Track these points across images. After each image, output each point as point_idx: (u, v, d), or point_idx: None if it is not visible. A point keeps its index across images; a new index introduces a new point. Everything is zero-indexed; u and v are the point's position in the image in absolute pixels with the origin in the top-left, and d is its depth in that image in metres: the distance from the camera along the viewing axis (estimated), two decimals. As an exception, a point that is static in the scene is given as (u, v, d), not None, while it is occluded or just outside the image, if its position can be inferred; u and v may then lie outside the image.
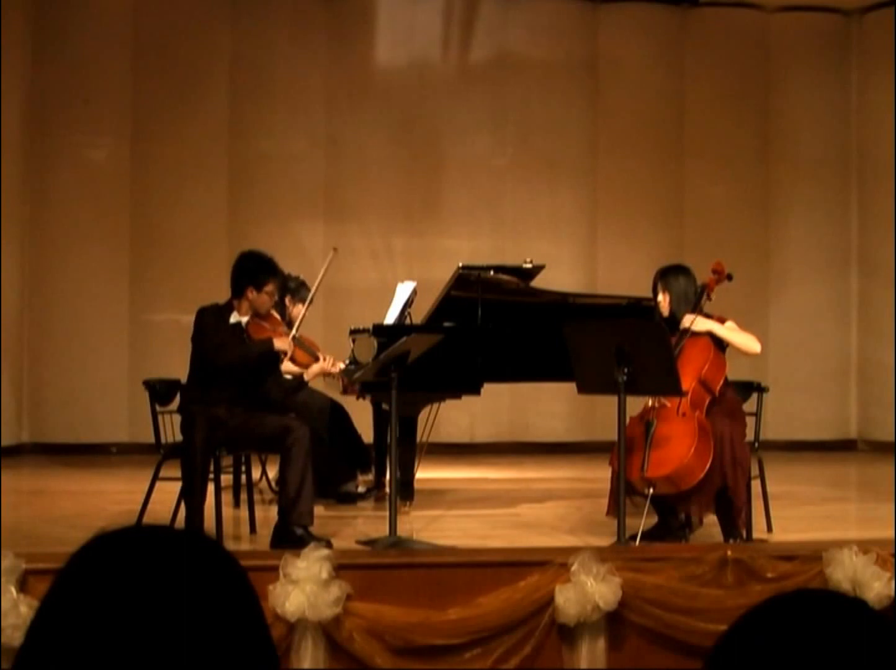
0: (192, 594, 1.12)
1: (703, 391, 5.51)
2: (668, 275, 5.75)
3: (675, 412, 5.47)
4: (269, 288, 5.71)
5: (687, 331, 5.56)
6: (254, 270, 5.71)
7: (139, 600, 1.10)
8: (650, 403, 5.57)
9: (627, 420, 5.51)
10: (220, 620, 1.13)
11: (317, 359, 5.94)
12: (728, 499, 5.34)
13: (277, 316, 6.20)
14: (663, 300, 5.70)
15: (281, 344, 5.64)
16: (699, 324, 5.57)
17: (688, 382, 5.44)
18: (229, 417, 5.53)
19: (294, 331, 5.88)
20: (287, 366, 6.25)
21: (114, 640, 1.09)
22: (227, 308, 5.73)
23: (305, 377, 5.96)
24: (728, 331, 5.60)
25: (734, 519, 5.36)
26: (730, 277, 5.78)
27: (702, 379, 5.51)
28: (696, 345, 5.56)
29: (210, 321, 5.64)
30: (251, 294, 5.68)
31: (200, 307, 5.74)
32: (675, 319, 5.66)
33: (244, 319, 5.71)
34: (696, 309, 5.66)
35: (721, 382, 5.56)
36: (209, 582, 1.14)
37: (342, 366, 6.13)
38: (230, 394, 5.57)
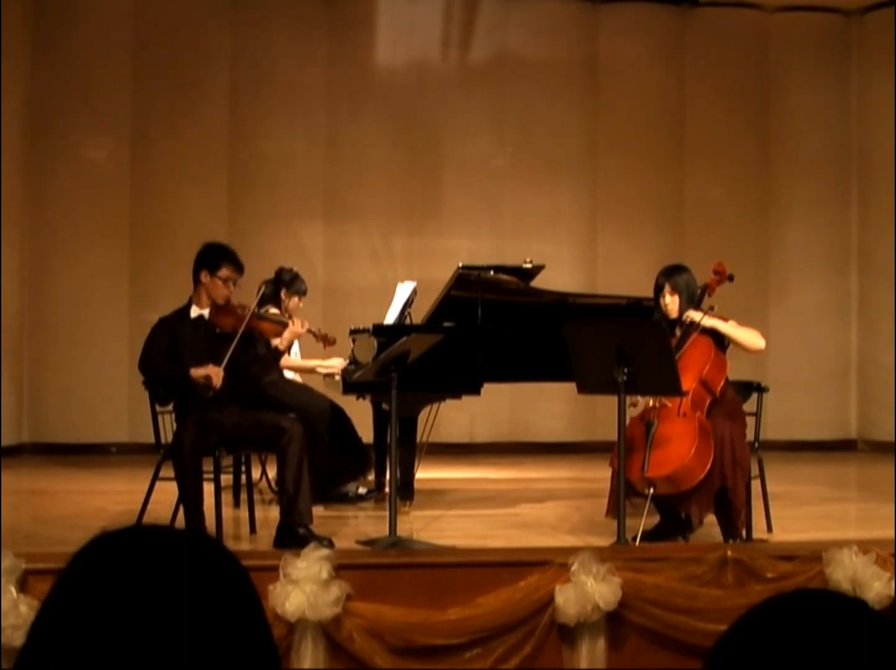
0: (194, 594, 1.12)
1: (704, 391, 5.51)
2: (675, 275, 5.71)
3: (676, 412, 5.46)
4: (224, 272, 5.64)
5: (693, 326, 5.56)
6: (209, 255, 5.71)
7: (141, 600, 1.10)
8: (651, 403, 5.56)
9: (628, 420, 5.51)
10: (221, 620, 1.13)
11: (286, 326, 5.90)
12: (727, 499, 5.34)
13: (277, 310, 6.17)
14: (672, 301, 5.66)
15: (196, 372, 5.51)
16: (705, 321, 5.56)
17: (689, 383, 5.44)
18: (224, 418, 5.52)
19: (254, 307, 5.81)
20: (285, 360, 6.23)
21: (115, 640, 1.09)
22: (186, 307, 5.74)
23: (280, 346, 5.90)
24: (733, 328, 5.60)
25: (733, 520, 5.36)
26: (731, 278, 5.78)
27: (703, 379, 5.50)
28: (697, 345, 5.56)
29: (156, 335, 5.64)
30: (205, 277, 5.65)
31: (160, 317, 5.75)
32: (676, 323, 5.67)
33: (205, 311, 5.69)
34: (699, 309, 5.66)
35: (722, 383, 5.56)
36: (210, 582, 1.14)
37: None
38: (223, 394, 5.56)
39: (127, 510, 5.96)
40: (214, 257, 5.69)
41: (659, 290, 5.72)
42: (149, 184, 10.01)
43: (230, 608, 1.14)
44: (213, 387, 5.47)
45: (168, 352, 5.62)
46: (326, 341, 6.29)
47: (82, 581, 1.13)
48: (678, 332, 5.65)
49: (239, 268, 5.72)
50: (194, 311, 5.70)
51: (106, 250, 9.92)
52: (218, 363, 5.55)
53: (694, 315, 5.59)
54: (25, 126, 9.75)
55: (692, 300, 5.66)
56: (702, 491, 5.30)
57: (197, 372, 5.50)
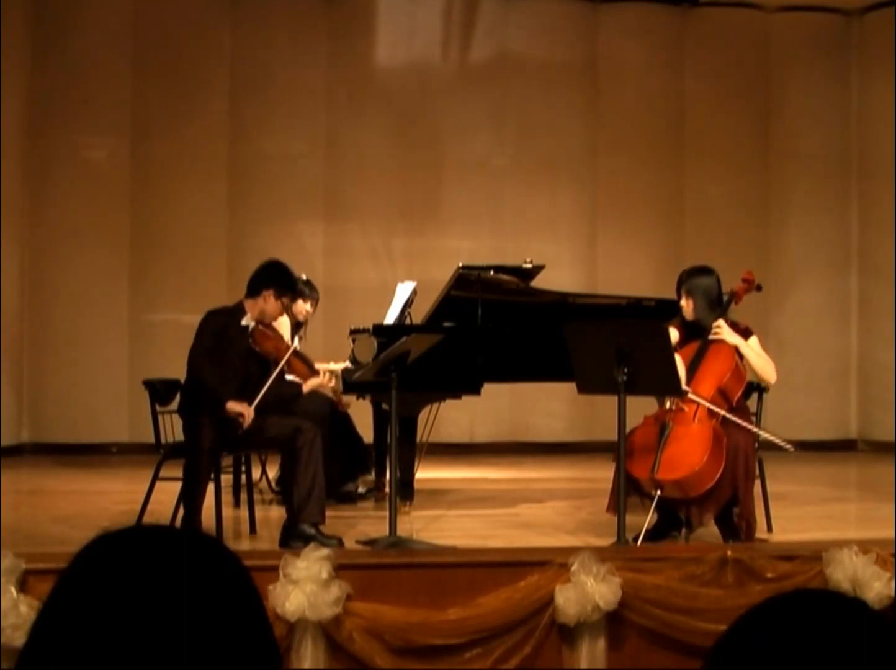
0: (195, 593, 1.12)
1: (721, 400, 5.49)
2: (693, 278, 5.70)
3: (692, 417, 5.45)
4: (286, 300, 5.75)
5: (710, 340, 5.56)
6: (279, 277, 5.74)
7: (142, 600, 1.11)
8: (667, 405, 5.55)
9: (636, 421, 5.50)
10: (222, 619, 1.13)
11: (315, 373, 5.94)
12: (731, 509, 5.33)
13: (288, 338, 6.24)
14: (687, 305, 5.67)
15: (233, 407, 5.46)
16: (728, 336, 5.56)
17: (707, 389, 5.44)
18: (233, 419, 5.51)
19: (295, 344, 5.86)
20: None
21: (117, 640, 1.09)
22: (238, 310, 5.71)
23: (304, 389, 5.98)
24: (752, 353, 5.58)
25: (737, 530, 5.34)
26: (759, 288, 5.80)
27: (721, 388, 5.49)
28: (719, 352, 5.55)
29: (208, 329, 5.61)
30: (269, 297, 5.65)
31: (210, 310, 5.73)
32: (699, 324, 5.66)
33: (251, 324, 5.69)
34: (724, 316, 5.64)
35: (739, 393, 5.56)
36: (211, 581, 1.14)
37: (332, 382, 6.16)
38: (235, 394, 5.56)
39: (127, 510, 5.96)
40: (287, 283, 5.75)
41: (677, 291, 5.74)
42: (149, 184, 10.01)
43: (231, 607, 1.14)
44: (241, 425, 5.46)
45: (211, 353, 5.58)
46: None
47: (83, 581, 1.14)
48: (699, 335, 5.65)
49: (295, 298, 5.94)
50: (245, 320, 5.70)
51: (106, 250, 9.93)
52: (247, 383, 5.61)
53: (723, 329, 5.56)
54: (26, 126, 9.75)
55: (711, 304, 5.65)
56: (710, 498, 5.29)
57: (233, 407, 5.47)
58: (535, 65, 10.58)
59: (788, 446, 5.60)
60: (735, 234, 10.63)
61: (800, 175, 10.93)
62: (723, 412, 5.46)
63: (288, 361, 5.72)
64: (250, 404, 5.57)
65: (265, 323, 5.73)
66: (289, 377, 5.94)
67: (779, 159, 10.94)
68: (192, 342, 5.61)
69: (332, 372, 6.30)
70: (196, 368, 5.56)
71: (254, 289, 5.71)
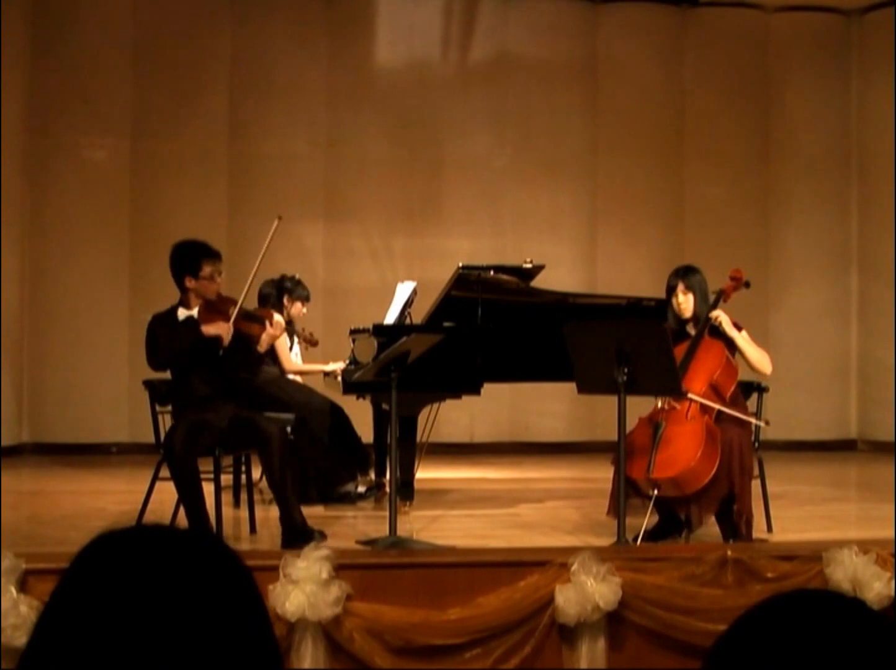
0: (196, 592, 1.12)
1: (714, 396, 5.49)
2: (689, 275, 5.72)
3: (685, 415, 5.46)
4: (206, 271, 5.57)
5: (711, 326, 5.57)
6: (185, 258, 5.62)
7: (143, 600, 1.11)
8: (660, 404, 5.56)
9: (636, 420, 5.50)
10: (223, 618, 1.13)
11: (264, 327, 5.74)
12: (730, 506, 5.33)
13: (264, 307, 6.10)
14: (686, 300, 5.67)
15: (210, 329, 5.50)
16: (727, 326, 5.57)
17: (699, 386, 5.44)
18: (217, 419, 5.50)
19: (240, 302, 5.66)
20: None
21: (118, 640, 1.09)
22: (175, 306, 5.68)
23: (260, 349, 5.80)
24: (747, 344, 5.61)
25: (737, 525, 5.34)
26: (747, 285, 5.80)
27: (713, 383, 5.50)
28: (710, 349, 5.56)
29: (152, 328, 5.58)
30: (190, 283, 5.57)
31: (154, 314, 5.70)
32: (696, 320, 5.67)
33: (194, 312, 5.62)
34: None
35: (732, 389, 5.56)
36: (212, 581, 1.15)
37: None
38: (216, 394, 5.54)
39: (127, 510, 5.97)
40: (193, 259, 5.60)
41: (671, 291, 5.72)
42: (149, 184, 10.01)
43: (232, 607, 1.14)
44: (223, 345, 5.47)
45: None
46: (309, 342, 6.28)
47: (85, 581, 1.14)
48: (691, 332, 5.66)
49: (217, 257, 5.65)
50: (183, 313, 5.62)
51: (106, 250, 9.93)
52: (209, 365, 5.55)
53: (722, 318, 5.59)
54: (26, 126, 9.75)
55: (706, 300, 5.67)
56: (707, 495, 5.30)
57: (208, 329, 5.50)
58: (535, 65, 10.58)
59: (761, 422, 5.66)
60: (735, 234, 10.63)
61: (800, 175, 10.93)
62: (717, 406, 5.47)
63: (239, 327, 5.61)
64: (238, 404, 5.58)
65: (209, 299, 5.64)
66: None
67: (779, 159, 10.94)
68: (146, 352, 5.55)
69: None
70: (158, 363, 5.54)
71: (178, 284, 5.65)
